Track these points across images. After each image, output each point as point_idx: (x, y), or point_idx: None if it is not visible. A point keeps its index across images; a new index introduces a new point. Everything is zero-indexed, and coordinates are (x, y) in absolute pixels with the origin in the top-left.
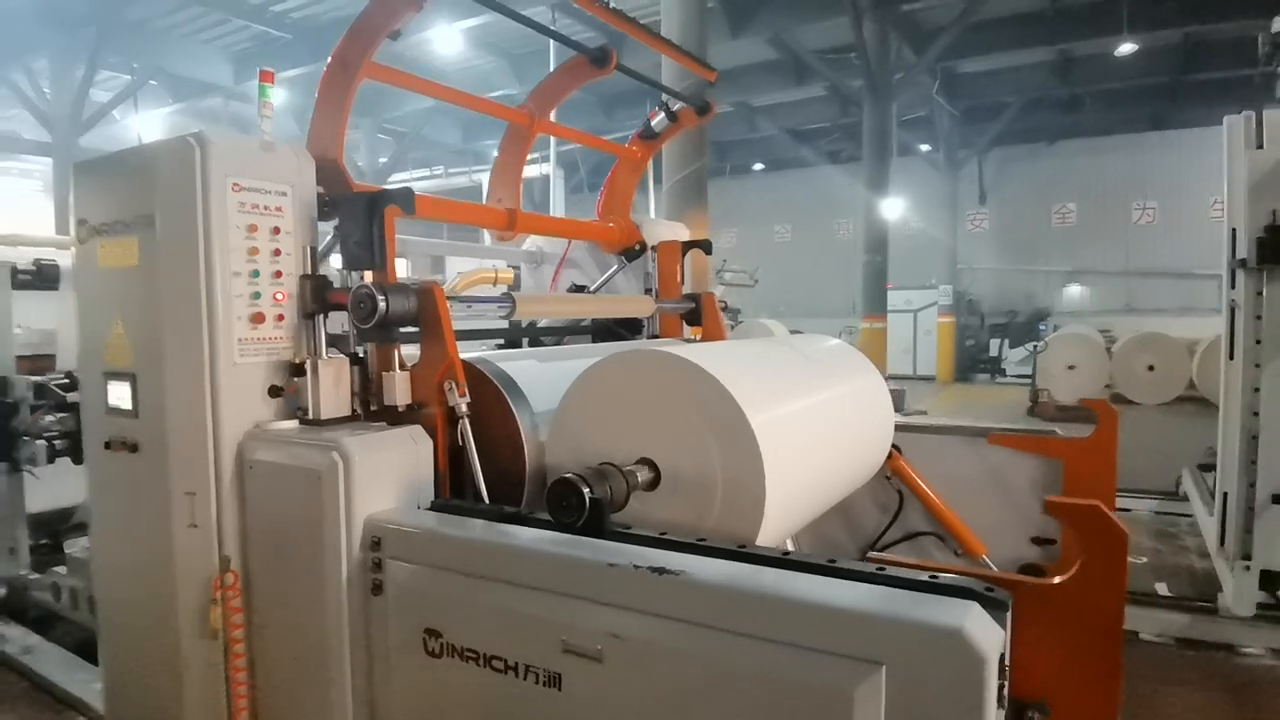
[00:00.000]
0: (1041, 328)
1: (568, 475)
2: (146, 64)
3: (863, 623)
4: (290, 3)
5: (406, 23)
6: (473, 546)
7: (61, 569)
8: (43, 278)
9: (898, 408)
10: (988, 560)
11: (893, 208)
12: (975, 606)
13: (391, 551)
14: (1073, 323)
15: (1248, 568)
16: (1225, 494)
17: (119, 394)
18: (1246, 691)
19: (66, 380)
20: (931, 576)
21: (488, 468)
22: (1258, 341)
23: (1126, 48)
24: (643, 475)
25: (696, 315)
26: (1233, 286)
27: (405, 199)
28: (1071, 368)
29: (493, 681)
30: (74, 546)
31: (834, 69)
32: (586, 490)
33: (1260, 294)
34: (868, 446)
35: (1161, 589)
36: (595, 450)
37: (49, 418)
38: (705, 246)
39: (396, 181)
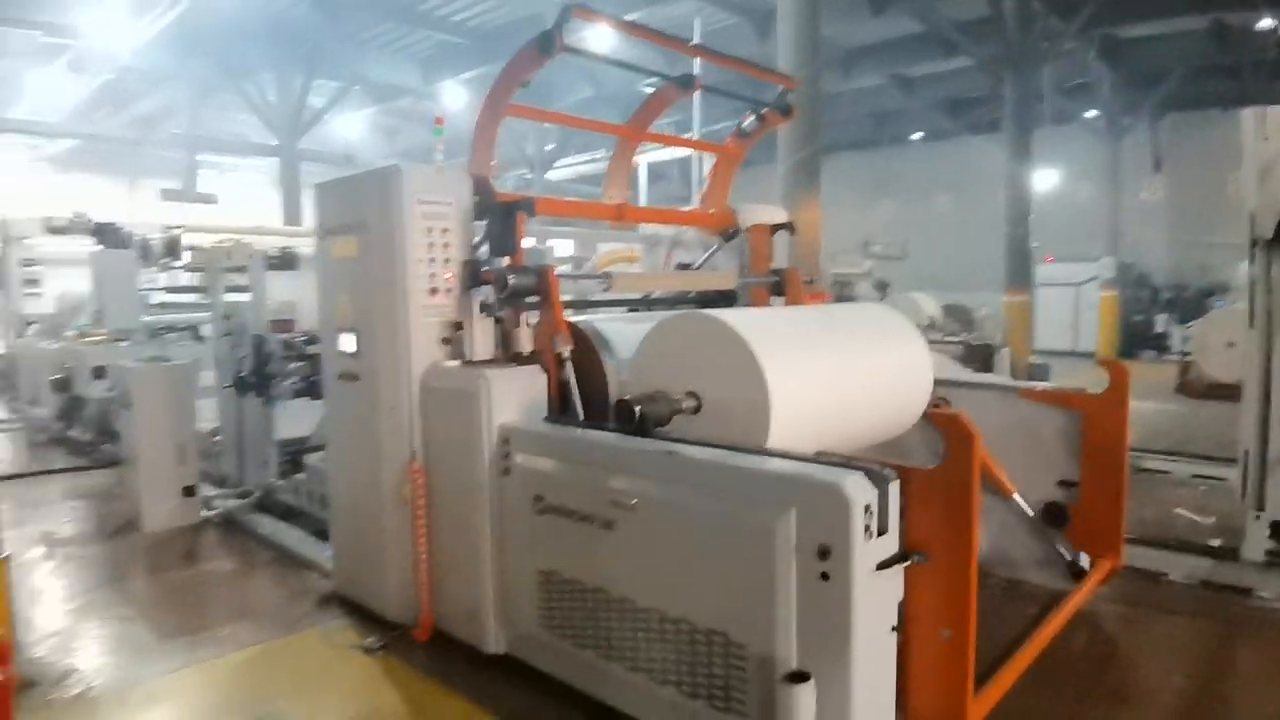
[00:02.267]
0: (1220, 303)
1: (626, 397)
2: (351, 72)
3: (782, 481)
4: (467, 12)
5: (533, 76)
6: (566, 442)
7: (301, 475)
8: (285, 261)
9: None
10: (1018, 499)
11: (1046, 178)
12: (858, 475)
13: (516, 447)
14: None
15: (1258, 517)
16: (1246, 451)
17: (347, 342)
18: (1240, 625)
19: (305, 338)
20: (845, 460)
21: (585, 396)
22: (1269, 313)
23: (1266, 23)
24: (687, 403)
25: (781, 288)
26: (1251, 263)
27: (529, 206)
28: (1231, 344)
29: (573, 526)
30: (312, 459)
31: (979, 41)
32: (638, 408)
33: (1270, 271)
34: (894, 394)
35: (1214, 544)
36: (658, 384)
37: (292, 365)
38: (789, 228)
39: (561, 166)
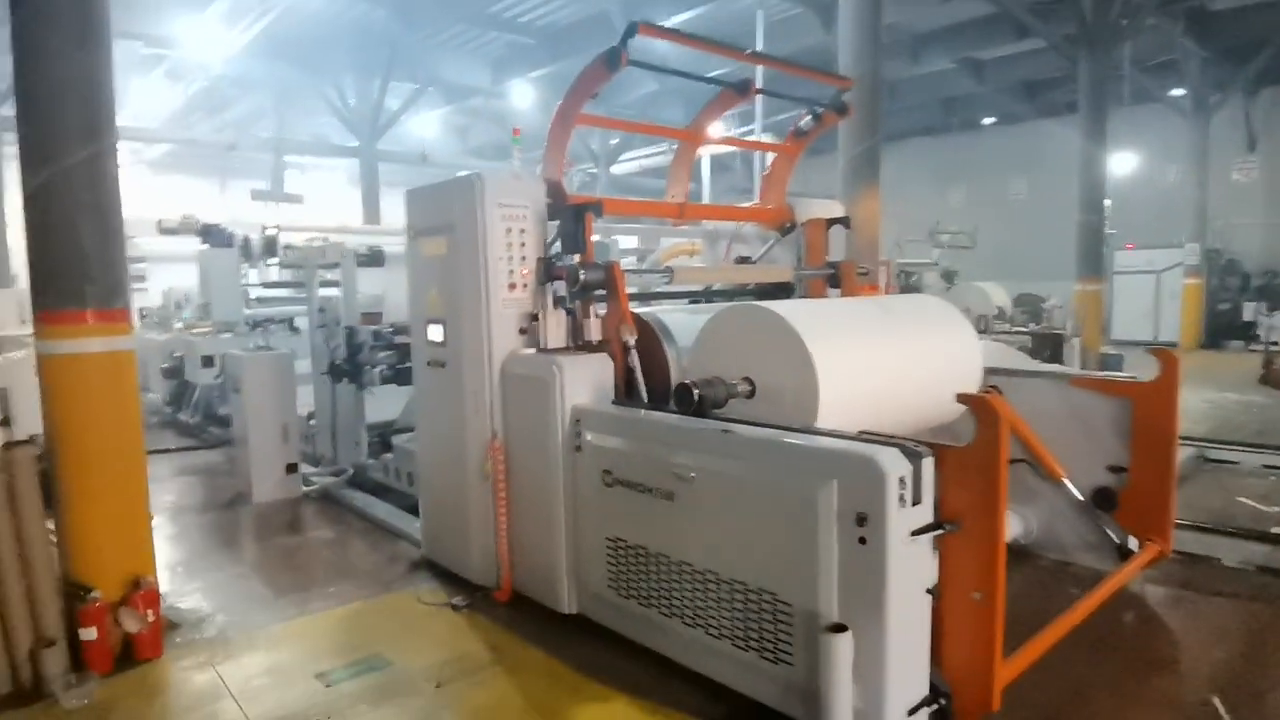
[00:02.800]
0: None
1: (685, 381)
2: (425, 74)
3: (824, 456)
4: (535, 12)
5: (601, 89)
6: (632, 422)
7: (389, 455)
8: (373, 259)
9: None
10: (1067, 483)
11: (1127, 161)
12: (894, 451)
13: (587, 426)
14: None
15: None
16: None
17: (435, 332)
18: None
19: (392, 329)
20: (887, 439)
21: (648, 381)
22: None
23: None
24: (742, 388)
25: (837, 280)
26: None
27: (597, 208)
28: None
29: (638, 497)
30: (399, 440)
31: (1051, 21)
32: (697, 391)
33: None
34: (941, 380)
35: (1275, 530)
36: (716, 370)
37: (381, 354)
38: (845, 222)
39: (627, 159)
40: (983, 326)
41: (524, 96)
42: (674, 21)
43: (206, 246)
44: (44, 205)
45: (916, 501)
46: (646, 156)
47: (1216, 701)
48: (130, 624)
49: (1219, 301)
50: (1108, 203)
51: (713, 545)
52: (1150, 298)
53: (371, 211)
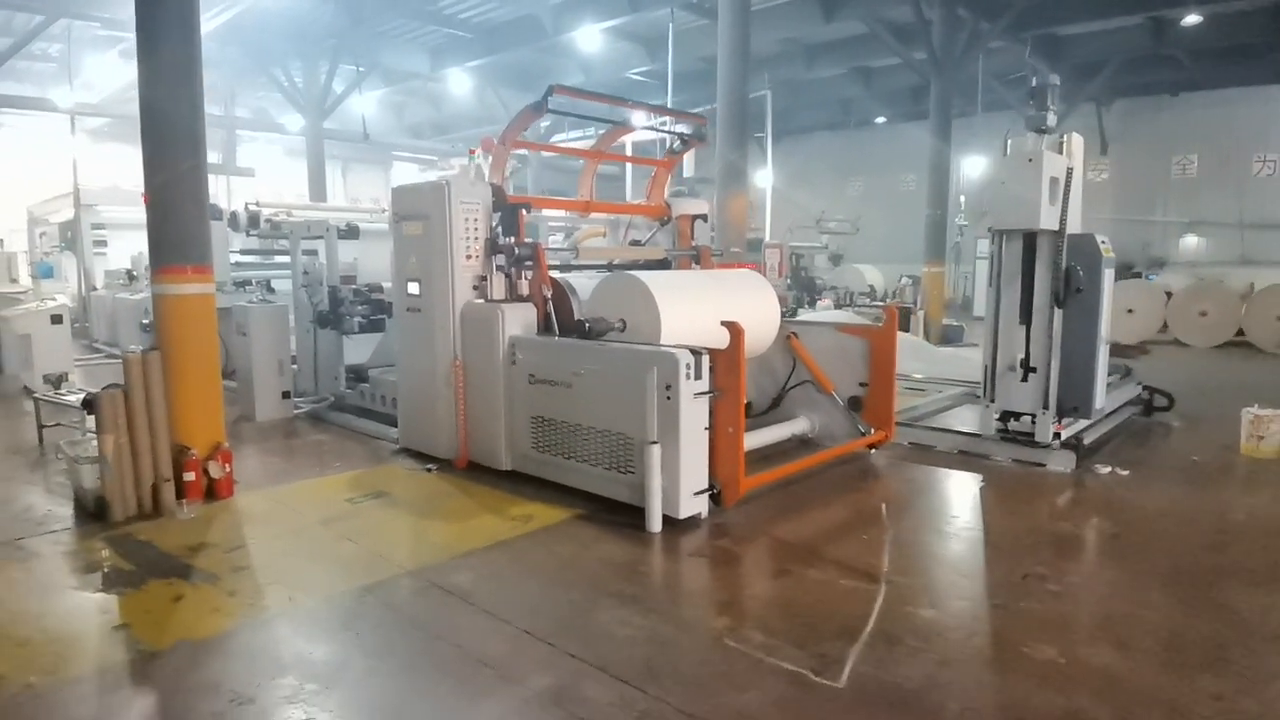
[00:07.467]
0: (1152, 277)
1: (581, 318)
2: (368, 60)
3: (651, 355)
4: (472, 10)
5: (529, 127)
6: (548, 345)
7: (366, 385)
8: (350, 233)
9: (954, 340)
10: (835, 394)
11: (989, 162)
12: (685, 350)
13: (519, 349)
14: (1184, 272)
15: (988, 406)
16: (985, 365)
17: (414, 288)
18: (973, 470)
19: (367, 288)
20: (685, 346)
21: (559, 320)
22: (999, 275)
23: (1192, 19)
24: (617, 324)
25: (698, 259)
26: (991, 244)
27: (527, 206)
28: (1130, 311)
29: (550, 388)
30: (374, 373)
31: (908, 43)
32: (587, 325)
33: (1001, 248)
34: (749, 325)
35: (967, 429)
36: (603, 314)
37: (359, 307)
38: (704, 218)
39: (559, 141)
40: (849, 300)
41: (461, 84)
42: (599, 27)
43: None
44: (163, 198)
45: (698, 378)
46: (578, 138)
47: (883, 507)
48: (215, 471)
49: None
50: (962, 198)
51: (592, 411)
52: None
53: (317, 185)
